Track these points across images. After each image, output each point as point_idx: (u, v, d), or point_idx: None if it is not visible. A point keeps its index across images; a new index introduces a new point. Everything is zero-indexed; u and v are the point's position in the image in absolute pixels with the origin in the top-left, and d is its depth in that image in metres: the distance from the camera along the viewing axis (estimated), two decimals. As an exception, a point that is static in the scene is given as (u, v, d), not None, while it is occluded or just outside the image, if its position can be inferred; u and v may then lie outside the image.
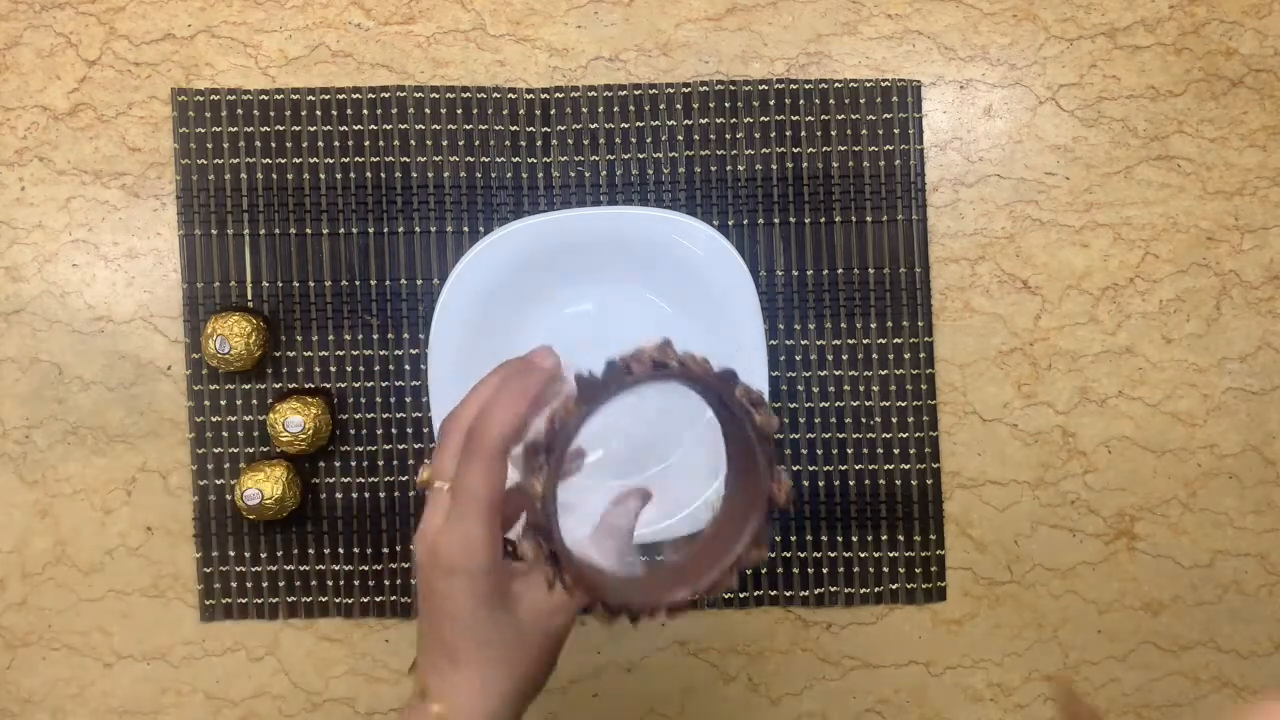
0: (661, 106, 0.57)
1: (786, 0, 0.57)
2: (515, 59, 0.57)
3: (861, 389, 0.57)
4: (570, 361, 0.34)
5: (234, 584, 0.56)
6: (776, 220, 0.57)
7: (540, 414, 0.33)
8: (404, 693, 0.56)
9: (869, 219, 0.57)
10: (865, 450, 0.57)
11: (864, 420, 0.57)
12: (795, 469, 0.57)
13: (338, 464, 0.56)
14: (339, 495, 0.56)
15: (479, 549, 0.31)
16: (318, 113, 0.56)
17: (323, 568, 0.56)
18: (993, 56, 0.57)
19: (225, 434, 0.56)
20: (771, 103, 0.57)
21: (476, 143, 0.57)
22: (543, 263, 0.54)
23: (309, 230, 0.56)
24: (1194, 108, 0.57)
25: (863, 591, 0.57)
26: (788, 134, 0.57)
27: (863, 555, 0.57)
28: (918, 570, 0.57)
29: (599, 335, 0.56)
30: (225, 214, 0.56)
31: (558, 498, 0.31)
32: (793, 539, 0.57)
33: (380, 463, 0.56)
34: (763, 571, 0.57)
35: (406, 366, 0.56)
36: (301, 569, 0.56)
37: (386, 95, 0.56)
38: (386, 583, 0.56)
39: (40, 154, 0.56)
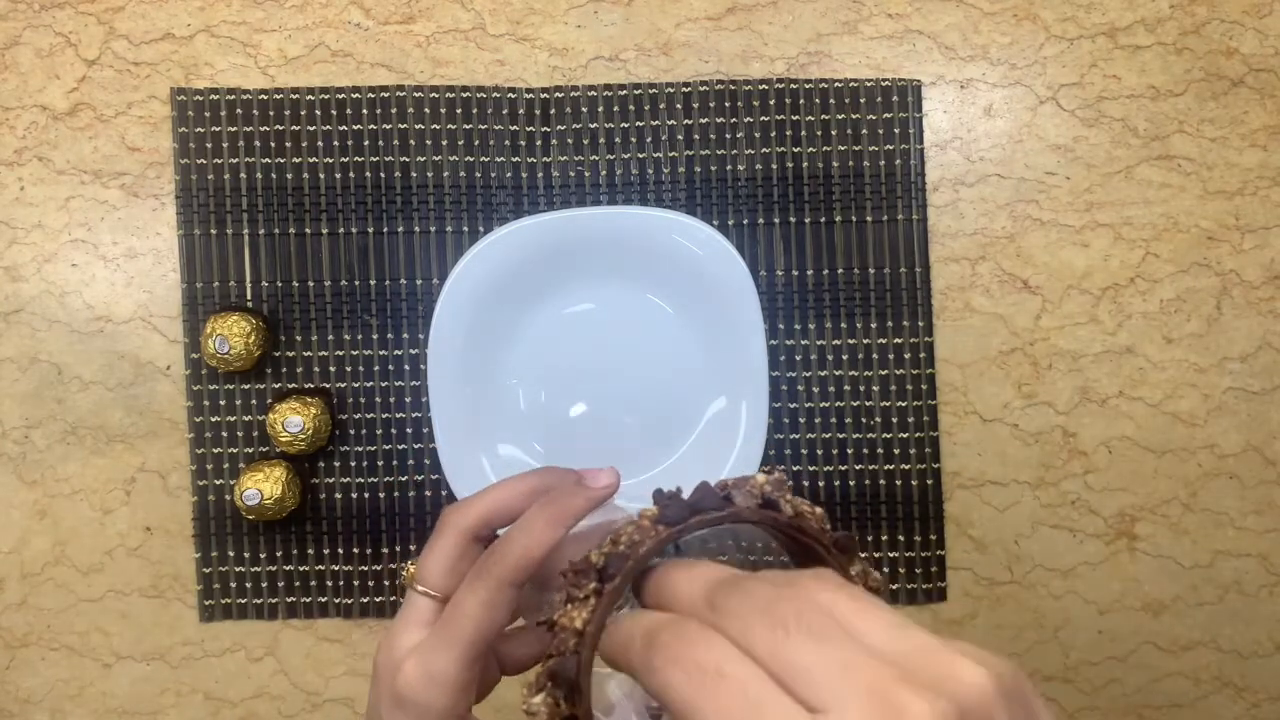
0: (661, 106, 0.57)
1: (786, 0, 0.57)
2: (515, 59, 0.57)
3: (861, 389, 0.57)
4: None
5: (233, 584, 0.56)
6: (776, 220, 0.57)
7: (573, 547, 0.27)
8: None
9: (869, 219, 0.57)
10: (865, 450, 0.57)
11: (864, 420, 0.57)
12: (795, 469, 0.57)
13: (337, 464, 0.56)
14: (338, 495, 0.56)
15: (444, 690, 0.27)
16: (317, 112, 0.56)
17: (322, 568, 0.56)
18: (993, 56, 0.57)
19: (225, 434, 0.56)
20: (771, 102, 0.57)
21: (476, 143, 0.56)
22: (543, 263, 0.54)
23: (309, 230, 0.56)
24: (1194, 107, 0.57)
25: (863, 592, 0.56)
26: (788, 134, 0.57)
27: (863, 555, 0.57)
28: (918, 570, 0.57)
29: (599, 335, 0.56)
30: (225, 214, 0.56)
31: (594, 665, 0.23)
32: (793, 539, 0.57)
33: (380, 463, 0.56)
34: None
35: (406, 366, 0.56)
36: (301, 569, 0.56)
37: (386, 95, 0.56)
38: (386, 583, 0.56)
39: (40, 154, 0.56)
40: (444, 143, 0.56)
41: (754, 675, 0.18)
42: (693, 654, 0.19)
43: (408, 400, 0.56)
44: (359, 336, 0.56)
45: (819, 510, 0.26)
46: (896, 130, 0.57)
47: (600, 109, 0.57)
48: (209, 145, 0.56)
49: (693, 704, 0.19)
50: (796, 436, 0.57)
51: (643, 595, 0.23)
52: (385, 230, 0.56)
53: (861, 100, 0.57)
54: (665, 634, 0.20)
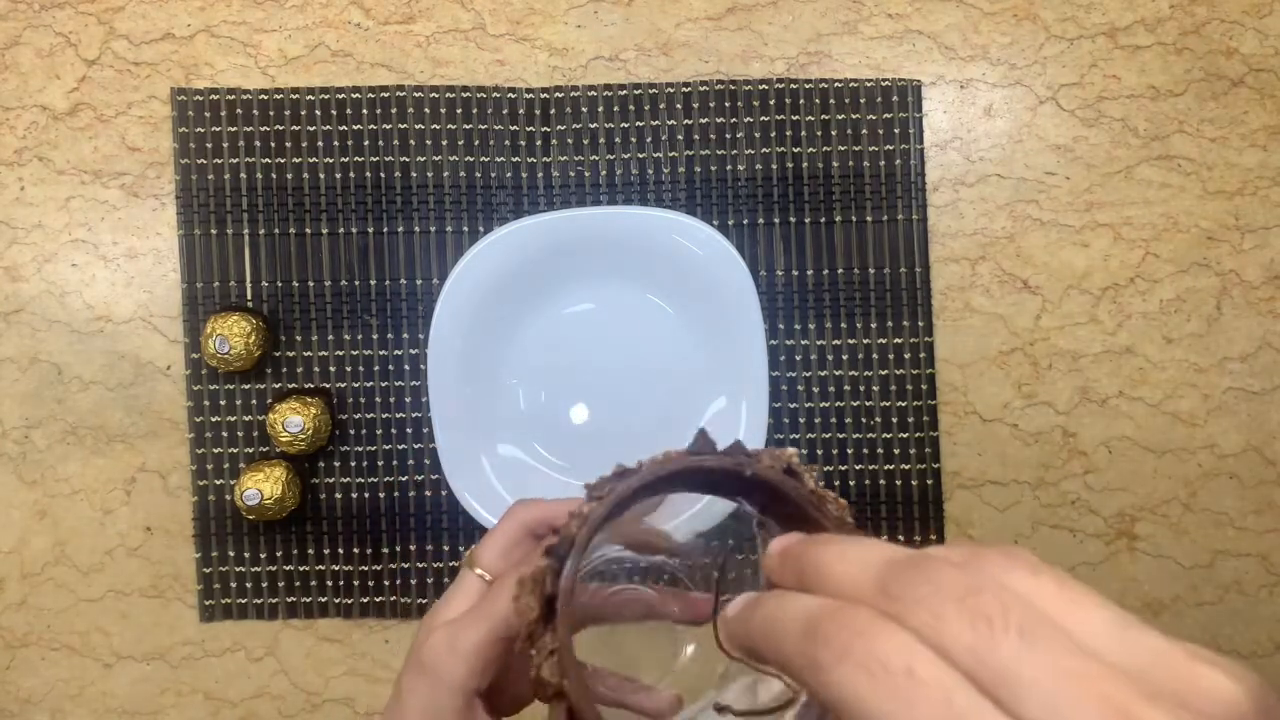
0: (661, 106, 0.57)
1: (786, 0, 0.57)
2: (515, 59, 0.57)
3: (861, 389, 0.57)
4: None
5: (233, 584, 0.56)
6: (776, 220, 0.57)
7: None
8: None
9: (869, 219, 0.57)
10: (865, 450, 0.57)
11: (864, 420, 0.57)
12: (795, 469, 0.57)
13: (337, 464, 0.56)
14: (339, 495, 0.56)
15: (461, 662, 0.26)
16: (317, 112, 0.56)
17: (322, 568, 0.56)
18: (993, 56, 0.57)
19: (225, 434, 0.56)
20: (771, 102, 0.57)
21: (476, 143, 0.56)
22: (543, 263, 0.54)
23: (309, 230, 0.56)
24: (1194, 107, 0.57)
25: (863, 592, 0.56)
26: (788, 134, 0.57)
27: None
28: (918, 570, 0.56)
29: (599, 335, 0.56)
30: (225, 214, 0.56)
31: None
32: (793, 539, 0.57)
33: (380, 463, 0.56)
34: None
35: (406, 366, 0.56)
36: (301, 569, 0.56)
37: (386, 95, 0.56)
38: (386, 583, 0.56)
39: (40, 154, 0.56)
40: (444, 143, 0.56)
41: (957, 682, 0.15)
42: (873, 649, 0.16)
43: (408, 400, 0.56)
44: (359, 336, 0.56)
45: (842, 501, 0.24)
46: (896, 130, 0.57)
47: (600, 109, 0.57)
48: (209, 145, 0.56)
49: (879, 712, 0.15)
50: (796, 436, 0.57)
51: (776, 573, 0.20)
52: (385, 230, 0.56)
53: (861, 100, 0.57)
54: (831, 624, 0.17)
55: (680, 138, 0.57)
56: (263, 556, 0.56)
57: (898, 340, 0.57)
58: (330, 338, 0.56)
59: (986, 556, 0.17)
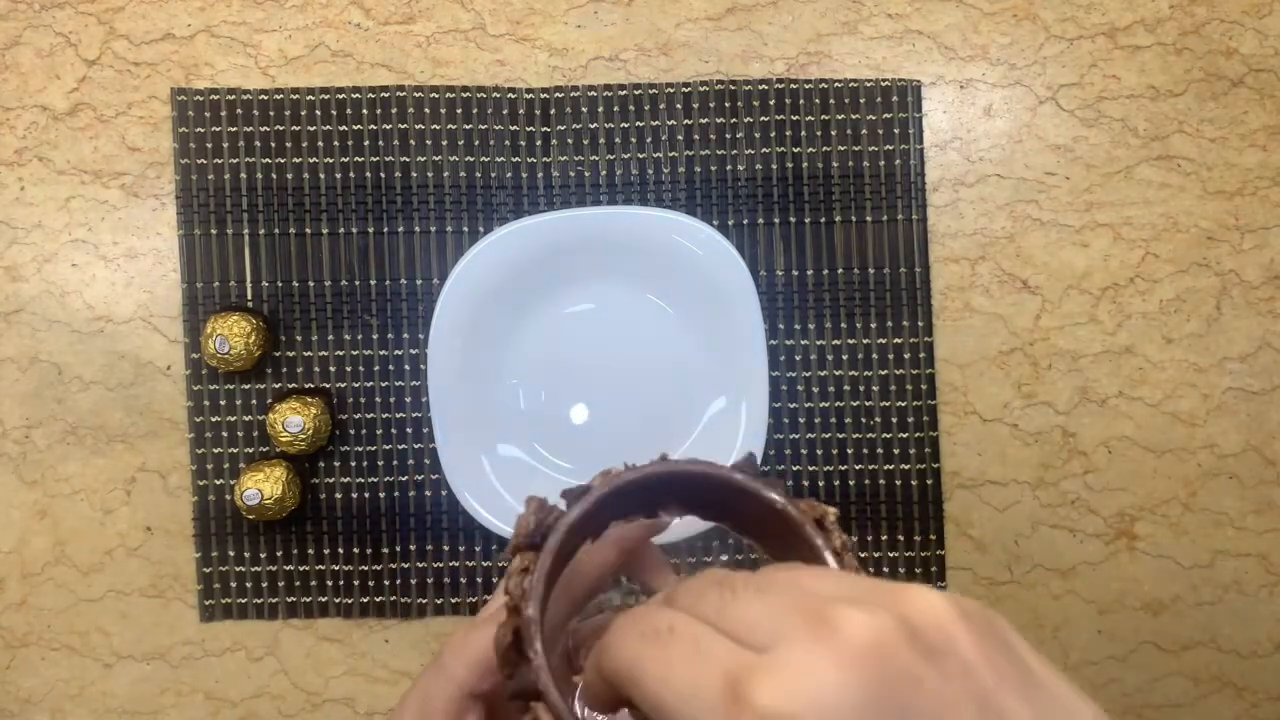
0: (661, 106, 0.57)
1: (786, 0, 0.57)
2: (515, 59, 0.57)
3: (861, 389, 0.57)
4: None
5: (234, 584, 0.56)
6: (776, 220, 0.57)
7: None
8: (402, 692, 0.56)
9: (869, 219, 0.57)
10: (865, 450, 0.57)
11: (864, 420, 0.57)
12: (795, 469, 0.57)
13: (337, 464, 0.56)
14: (339, 495, 0.56)
15: (466, 662, 0.27)
16: (317, 112, 0.56)
17: (322, 568, 0.56)
18: (993, 56, 0.57)
19: (225, 434, 0.56)
20: (771, 103, 0.57)
21: (476, 143, 0.57)
22: (543, 263, 0.54)
23: (309, 230, 0.56)
24: (1194, 108, 0.57)
25: (863, 591, 0.56)
26: (788, 134, 0.57)
27: (863, 555, 0.57)
28: (918, 570, 0.57)
29: (599, 335, 0.56)
30: (225, 214, 0.56)
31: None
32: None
33: (380, 463, 0.56)
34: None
35: (406, 366, 0.56)
36: (301, 569, 0.56)
37: (386, 95, 0.56)
38: (386, 583, 0.56)
39: (40, 154, 0.56)
40: (444, 143, 0.56)
41: (705, 631, 0.19)
42: (646, 621, 0.20)
43: (408, 400, 0.56)
44: (359, 336, 0.56)
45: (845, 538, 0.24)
46: (896, 130, 0.57)
47: (600, 109, 0.57)
48: (209, 145, 0.56)
49: (642, 662, 0.19)
50: (796, 436, 0.57)
51: None
52: (385, 230, 0.56)
53: (861, 100, 0.57)
54: (621, 619, 0.20)
55: (680, 138, 0.57)
56: (263, 556, 0.56)
57: (898, 340, 0.57)
58: (330, 338, 0.56)
59: (765, 569, 0.21)
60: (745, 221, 0.57)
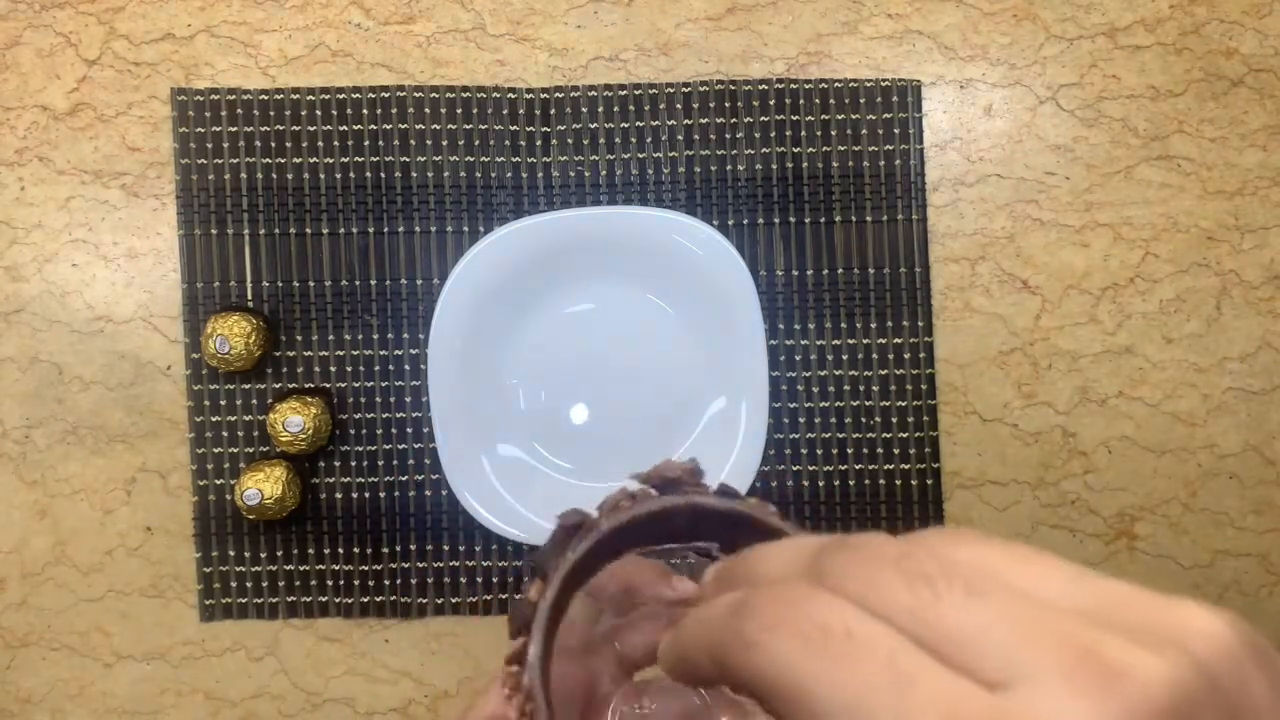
0: (661, 106, 0.57)
1: (786, 0, 0.57)
2: (515, 59, 0.57)
3: (861, 389, 0.57)
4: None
5: (234, 584, 0.56)
6: (776, 220, 0.57)
7: None
8: (403, 692, 0.56)
9: (869, 219, 0.57)
10: (865, 450, 0.57)
11: (864, 420, 0.57)
12: (795, 469, 0.57)
13: (338, 464, 0.56)
14: (339, 495, 0.56)
15: None
16: (318, 113, 0.56)
17: (322, 568, 0.56)
18: (993, 56, 0.57)
19: (225, 434, 0.56)
20: (771, 103, 0.57)
21: (476, 143, 0.57)
22: (543, 263, 0.54)
23: (309, 230, 0.56)
24: (1194, 108, 0.57)
25: (863, 591, 0.56)
26: (788, 134, 0.57)
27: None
28: (918, 570, 0.56)
29: (599, 335, 0.56)
30: (225, 214, 0.56)
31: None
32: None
33: (380, 463, 0.56)
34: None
35: (406, 366, 0.56)
36: (301, 569, 0.56)
37: (386, 95, 0.56)
38: (386, 583, 0.56)
39: (40, 154, 0.56)
40: (444, 143, 0.56)
41: (901, 642, 0.13)
42: (808, 615, 0.14)
43: (408, 400, 0.56)
44: (359, 336, 0.56)
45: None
46: (896, 130, 0.57)
47: (600, 109, 0.57)
48: (209, 145, 0.56)
49: (813, 678, 0.13)
50: (796, 436, 0.57)
51: (710, 592, 0.18)
52: (385, 230, 0.56)
53: (861, 100, 0.57)
54: (760, 598, 0.15)
55: (680, 138, 0.57)
56: (263, 556, 0.56)
57: (897, 340, 0.57)
58: (330, 338, 0.56)
59: (926, 533, 0.16)
60: (745, 221, 0.57)
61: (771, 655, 0.14)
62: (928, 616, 0.14)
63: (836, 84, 0.57)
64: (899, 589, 0.14)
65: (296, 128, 0.56)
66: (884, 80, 0.57)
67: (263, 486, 0.52)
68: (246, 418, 0.56)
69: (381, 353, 0.56)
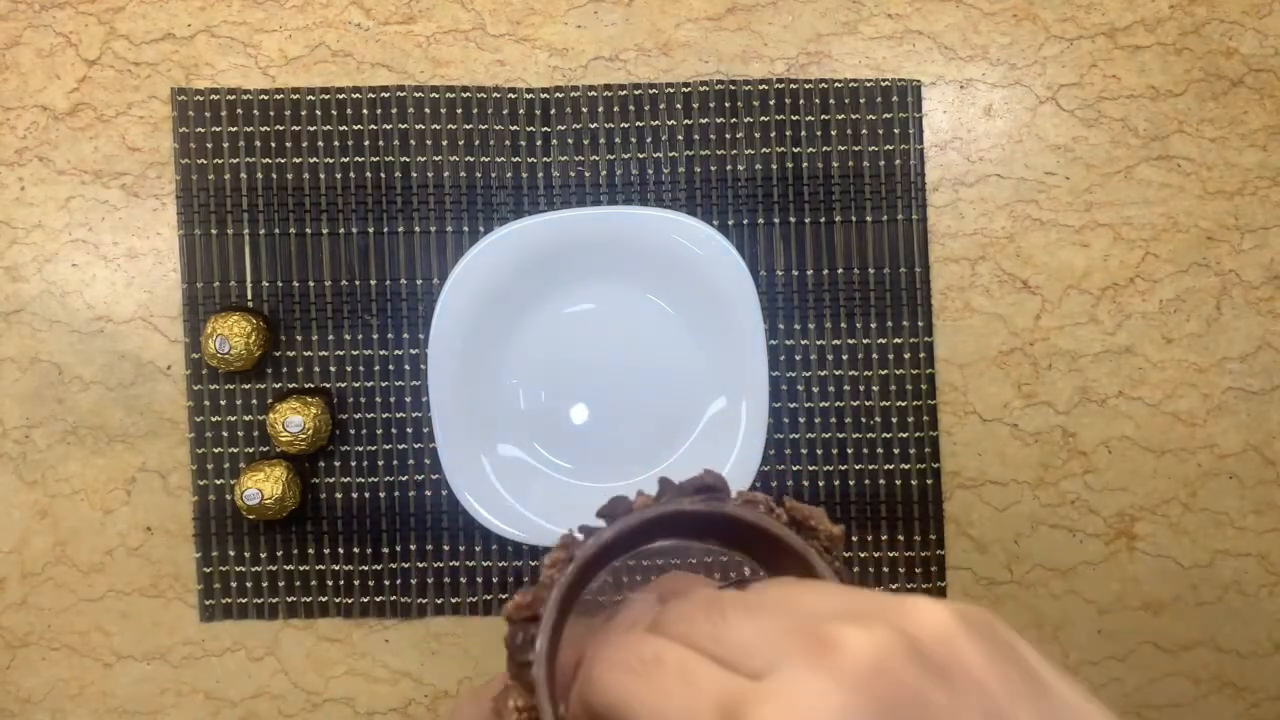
0: (661, 106, 0.57)
1: (786, 0, 0.57)
2: (515, 59, 0.57)
3: (861, 389, 0.57)
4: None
5: (234, 584, 0.56)
6: (776, 220, 0.57)
7: None
8: (403, 692, 0.56)
9: (869, 219, 0.57)
10: (865, 450, 0.57)
11: (864, 420, 0.57)
12: (795, 469, 0.57)
13: (338, 464, 0.56)
14: (339, 495, 0.56)
15: None
16: (318, 113, 0.56)
17: (323, 568, 0.56)
18: (993, 56, 0.57)
19: (225, 434, 0.56)
20: (771, 103, 0.57)
21: (476, 143, 0.57)
22: (543, 263, 0.54)
23: (309, 230, 0.56)
24: (1194, 108, 0.57)
25: (863, 591, 0.56)
26: (788, 134, 0.57)
27: (862, 555, 0.57)
28: (918, 570, 0.57)
29: (599, 335, 0.56)
30: (225, 214, 0.56)
31: None
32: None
33: (380, 463, 0.56)
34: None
35: (406, 366, 0.56)
36: (301, 569, 0.56)
37: (386, 95, 0.56)
38: (386, 583, 0.56)
39: (40, 154, 0.56)
40: (444, 143, 0.56)
41: (696, 659, 0.18)
42: (632, 653, 0.19)
43: (408, 400, 0.56)
44: (359, 336, 0.56)
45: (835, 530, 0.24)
46: (896, 130, 0.57)
47: (600, 109, 0.57)
48: (209, 145, 0.56)
49: (630, 696, 0.18)
50: (796, 436, 0.57)
51: None
52: (385, 230, 0.56)
53: (861, 100, 0.57)
54: (604, 648, 0.19)
55: (680, 138, 0.57)
56: (263, 556, 0.56)
57: (898, 340, 0.57)
58: (330, 338, 0.56)
59: (757, 584, 0.20)
60: (745, 221, 0.57)
61: (606, 686, 0.18)
62: (719, 634, 0.18)
63: (836, 84, 0.57)
64: (701, 620, 0.19)
65: (296, 128, 0.56)
66: (884, 80, 0.57)
67: (263, 486, 0.52)
68: (246, 418, 0.56)
69: (381, 353, 0.56)
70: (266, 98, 0.56)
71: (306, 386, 0.56)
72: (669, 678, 0.18)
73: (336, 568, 0.56)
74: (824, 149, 0.57)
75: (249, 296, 0.56)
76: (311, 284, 0.56)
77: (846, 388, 0.57)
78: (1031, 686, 0.17)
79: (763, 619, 0.18)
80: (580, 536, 0.23)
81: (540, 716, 0.20)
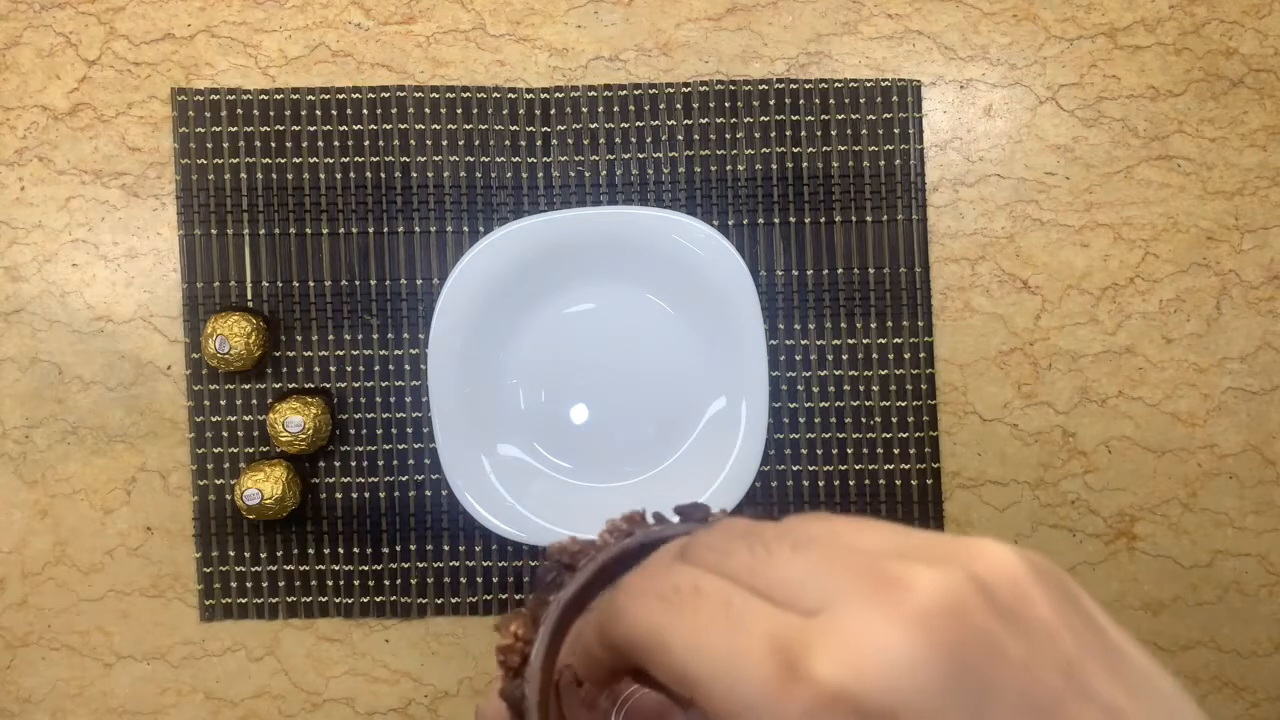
0: (661, 106, 0.57)
1: (786, 0, 0.57)
2: (515, 59, 0.57)
3: (861, 389, 0.57)
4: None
5: (234, 584, 0.56)
6: (776, 220, 0.57)
7: None
8: (403, 692, 0.56)
9: (869, 219, 0.57)
10: (865, 450, 0.57)
11: (864, 420, 0.57)
12: (795, 469, 0.57)
13: (338, 464, 0.56)
14: (339, 495, 0.56)
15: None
16: (318, 113, 0.56)
17: (322, 568, 0.56)
18: (993, 56, 0.57)
19: (225, 434, 0.56)
20: (771, 103, 0.57)
21: (476, 143, 0.57)
22: (543, 263, 0.54)
23: (309, 230, 0.56)
24: (1194, 108, 0.57)
25: (863, 591, 0.56)
26: (788, 134, 0.57)
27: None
28: (918, 570, 0.56)
29: (599, 335, 0.56)
30: (225, 214, 0.56)
31: None
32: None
33: (380, 463, 0.56)
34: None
35: (406, 366, 0.56)
36: (301, 569, 0.56)
37: (386, 95, 0.56)
38: (386, 583, 0.56)
39: (40, 154, 0.56)
40: (444, 143, 0.56)
41: (736, 590, 0.16)
42: (665, 581, 0.17)
43: (408, 400, 0.56)
44: (359, 336, 0.56)
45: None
46: (896, 130, 0.57)
47: (600, 109, 0.57)
48: (209, 145, 0.56)
49: (666, 629, 0.16)
50: (796, 436, 0.57)
51: None
52: (385, 230, 0.56)
53: (861, 100, 0.57)
54: (629, 577, 0.18)
55: (680, 138, 0.57)
56: (263, 556, 0.56)
57: (897, 340, 0.57)
58: (330, 338, 0.56)
59: (787, 518, 0.18)
60: (745, 221, 0.57)
61: (634, 617, 0.17)
62: (761, 569, 0.16)
63: (836, 84, 0.57)
64: (741, 552, 0.17)
65: (296, 128, 0.56)
66: (884, 80, 0.57)
67: (263, 486, 0.52)
68: (246, 418, 0.56)
69: (381, 353, 0.56)
70: (266, 98, 0.56)
71: (306, 386, 0.56)
72: (710, 610, 0.16)
73: (336, 568, 0.56)
74: (824, 149, 0.57)
75: (249, 296, 0.56)
76: (311, 284, 0.56)
77: (846, 388, 0.57)
78: (1102, 643, 0.16)
79: (813, 554, 0.16)
80: (652, 520, 0.22)
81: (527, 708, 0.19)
